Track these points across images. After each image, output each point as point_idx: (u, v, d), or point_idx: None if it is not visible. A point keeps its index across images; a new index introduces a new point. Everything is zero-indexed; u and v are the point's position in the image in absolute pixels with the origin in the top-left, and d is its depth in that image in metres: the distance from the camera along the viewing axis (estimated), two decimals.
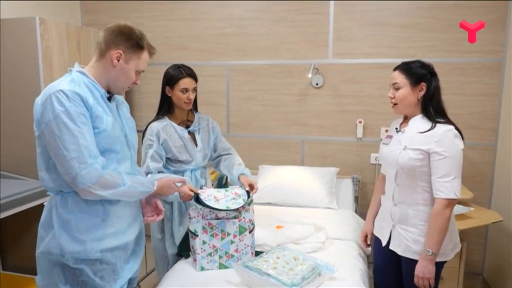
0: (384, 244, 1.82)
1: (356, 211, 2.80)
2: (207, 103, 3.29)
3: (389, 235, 1.79)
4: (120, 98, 1.63)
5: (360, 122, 3.04)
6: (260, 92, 3.24)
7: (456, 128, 1.63)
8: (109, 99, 1.49)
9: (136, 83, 1.54)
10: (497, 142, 2.85)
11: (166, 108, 2.09)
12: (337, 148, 3.16)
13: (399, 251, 1.74)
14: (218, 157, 2.24)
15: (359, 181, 3.08)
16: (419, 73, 1.67)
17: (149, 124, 2.07)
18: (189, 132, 2.10)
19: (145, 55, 1.49)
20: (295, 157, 3.25)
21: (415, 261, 1.67)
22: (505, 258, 2.68)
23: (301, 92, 3.17)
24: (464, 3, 2.80)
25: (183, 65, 2.08)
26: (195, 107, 2.20)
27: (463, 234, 2.55)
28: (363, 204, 3.09)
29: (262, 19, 3.16)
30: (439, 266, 1.70)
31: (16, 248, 2.73)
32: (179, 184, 1.77)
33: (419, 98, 1.68)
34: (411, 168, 1.65)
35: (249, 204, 1.96)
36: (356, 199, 3.04)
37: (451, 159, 1.58)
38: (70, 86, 1.34)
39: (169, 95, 2.06)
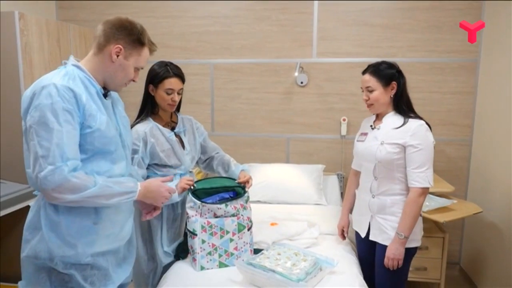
0: (363, 235, 1.94)
1: None
2: (192, 101, 3.26)
3: (367, 226, 1.91)
4: (116, 95, 1.56)
5: (344, 119, 3.11)
6: (245, 91, 3.25)
7: (426, 123, 1.77)
8: (105, 96, 1.42)
9: (134, 80, 1.47)
10: (472, 137, 3.01)
11: (149, 108, 1.94)
12: (322, 145, 3.22)
13: (380, 240, 1.85)
14: (208, 158, 2.19)
15: (343, 177, 3.16)
16: (389, 73, 1.81)
17: (132, 126, 1.87)
18: (175, 135, 1.98)
19: (145, 51, 1.43)
20: (280, 155, 3.28)
21: None
22: (481, 248, 2.83)
23: (286, 90, 3.20)
24: (441, 5, 2.93)
25: (171, 63, 1.94)
26: (177, 108, 2.07)
27: (444, 226, 2.68)
28: None
29: (246, 17, 3.16)
30: (413, 252, 1.85)
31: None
32: (170, 184, 1.73)
33: (391, 96, 1.82)
34: (389, 161, 1.77)
35: (246, 202, 1.96)
36: (341, 195, 3.11)
37: (425, 151, 1.72)
38: (64, 81, 1.27)
39: (152, 94, 1.92)
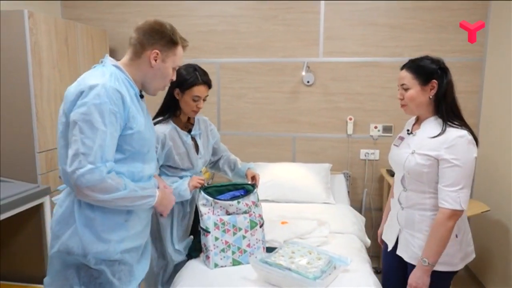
0: (390, 248, 1.76)
1: None
2: None
3: (395, 239, 1.72)
4: None
5: (351, 119, 3.12)
6: (251, 90, 3.25)
7: (471, 133, 1.53)
8: (142, 97, 1.46)
9: (172, 79, 1.50)
10: (478, 137, 3.01)
11: (172, 111, 1.92)
12: (328, 144, 3.23)
13: (406, 257, 1.67)
14: (217, 159, 2.20)
15: (350, 176, 3.17)
16: (428, 70, 1.55)
17: None
18: (191, 137, 1.96)
19: (179, 50, 1.45)
20: (286, 154, 3.28)
21: None
22: (487, 247, 2.85)
23: (292, 90, 3.21)
24: (446, 5, 2.95)
25: (199, 68, 1.88)
26: None
27: None
28: (353, 199, 3.18)
29: (252, 16, 3.17)
30: (448, 277, 1.63)
31: (2, 255, 2.58)
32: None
33: (431, 97, 1.56)
34: (418, 173, 1.56)
35: (257, 199, 1.97)
36: (348, 194, 3.12)
37: (461, 168, 1.47)
38: (111, 82, 1.29)
39: (177, 97, 1.88)
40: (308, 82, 3.14)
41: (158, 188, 1.53)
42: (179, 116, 1.95)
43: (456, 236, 1.58)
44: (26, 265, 2.51)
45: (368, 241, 2.35)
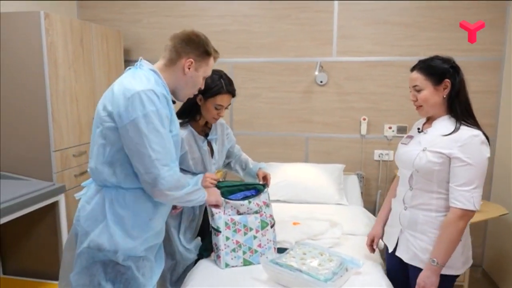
0: (390, 250, 1.75)
1: None
2: None
3: (396, 240, 1.70)
4: None
5: (364, 119, 3.09)
6: (264, 90, 3.24)
7: (484, 134, 1.51)
8: (173, 102, 1.52)
9: (201, 88, 1.58)
10: (496, 137, 2.95)
11: (192, 116, 1.90)
12: (341, 145, 3.20)
13: (406, 258, 1.65)
14: (230, 160, 2.21)
15: (363, 177, 3.13)
16: (439, 70, 1.54)
17: None
18: (207, 141, 1.95)
19: (211, 60, 1.54)
20: (299, 154, 3.26)
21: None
22: (504, 250, 2.78)
23: (305, 89, 3.18)
24: (464, 3, 2.88)
25: (225, 76, 1.86)
26: None
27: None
28: (366, 200, 3.14)
29: (265, 16, 3.16)
30: (450, 280, 1.60)
31: (17, 251, 2.63)
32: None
33: (444, 96, 1.55)
34: (429, 171, 1.53)
35: (268, 199, 1.97)
36: (362, 195, 3.08)
37: (475, 168, 1.45)
38: (158, 87, 1.36)
39: (199, 103, 1.85)
40: (321, 81, 3.11)
41: None
42: (198, 120, 1.93)
43: (460, 240, 1.55)
44: (41, 261, 2.56)
45: (382, 243, 2.31)
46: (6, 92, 2.44)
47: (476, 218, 2.33)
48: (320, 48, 3.12)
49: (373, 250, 1.93)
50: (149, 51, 3.32)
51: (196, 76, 1.49)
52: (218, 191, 1.78)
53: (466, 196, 1.46)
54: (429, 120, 1.66)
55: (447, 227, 1.50)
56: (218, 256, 1.85)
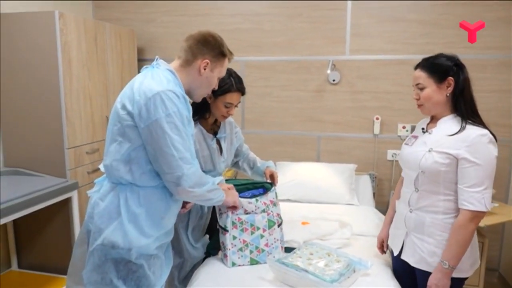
0: (396, 253, 1.71)
1: None
2: None
3: (401, 243, 1.66)
4: None
5: (378, 118, 3.04)
6: (276, 88, 3.23)
7: (491, 132, 1.47)
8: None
9: (215, 88, 1.59)
10: None
11: (202, 114, 1.89)
12: (353, 144, 3.16)
13: (412, 261, 1.61)
14: (239, 159, 2.20)
15: (375, 177, 3.08)
16: (443, 67, 1.51)
17: None
18: (216, 140, 1.94)
19: (226, 61, 1.55)
20: (310, 153, 3.24)
21: (430, 274, 1.54)
22: None
23: (317, 88, 3.16)
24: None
25: (235, 74, 1.85)
26: None
27: (484, 230, 2.56)
28: (379, 201, 3.09)
29: (278, 15, 3.14)
30: (459, 283, 1.57)
31: (31, 246, 2.70)
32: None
33: (447, 95, 1.51)
34: (435, 172, 1.50)
35: (275, 198, 1.96)
36: (374, 195, 3.04)
37: (484, 168, 1.42)
38: (177, 88, 1.39)
39: (209, 101, 1.85)
40: (333, 80, 3.08)
41: None
42: (207, 118, 1.93)
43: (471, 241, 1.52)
44: (54, 256, 2.61)
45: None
46: (22, 91, 2.50)
47: (493, 221, 2.28)
48: (333, 47, 3.08)
49: (383, 252, 1.91)
50: (162, 50, 3.34)
51: (211, 77, 1.50)
52: (236, 194, 1.76)
53: (477, 197, 1.42)
54: (433, 119, 1.63)
55: (458, 230, 1.46)
56: (225, 255, 1.85)
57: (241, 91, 1.87)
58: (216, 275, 1.78)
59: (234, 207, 1.81)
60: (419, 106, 1.59)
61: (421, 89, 1.54)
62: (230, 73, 1.85)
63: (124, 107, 1.37)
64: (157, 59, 1.48)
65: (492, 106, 2.89)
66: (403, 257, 1.66)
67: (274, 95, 3.24)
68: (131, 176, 1.39)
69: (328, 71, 2.99)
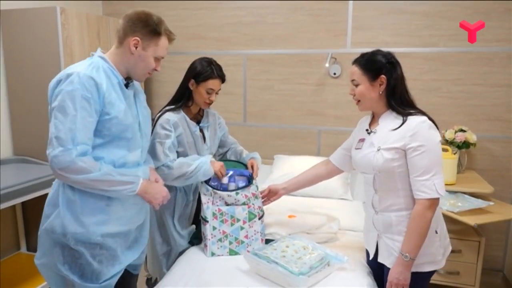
0: (371, 256, 1.70)
1: None
2: (224, 92, 3.25)
3: (375, 246, 1.65)
4: (138, 86, 1.65)
5: None
6: (277, 82, 3.23)
7: (430, 119, 1.49)
8: (127, 86, 1.51)
9: (156, 70, 1.53)
10: None
11: (184, 101, 1.99)
12: None
13: (388, 263, 1.58)
14: (226, 151, 2.25)
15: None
16: (375, 65, 1.52)
17: (162, 114, 1.95)
18: (199, 129, 2.03)
19: (163, 41, 1.47)
20: (311, 147, 3.23)
21: None
22: None
23: (318, 82, 3.13)
24: None
25: (215, 63, 1.97)
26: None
27: (481, 228, 2.49)
28: None
29: (280, 7, 3.13)
30: (427, 276, 1.57)
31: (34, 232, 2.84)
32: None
33: (380, 92, 1.52)
34: (389, 170, 1.49)
35: (257, 191, 1.98)
36: None
37: (429, 153, 1.43)
38: (87, 70, 1.37)
39: (191, 88, 1.96)
40: (334, 74, 3.05)
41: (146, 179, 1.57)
42: (190, 106, 2.02)
43: (436, 232, 1.53)
44: None
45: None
46: (28, 85, 2.62)
47: (485, 220, 2.21)
48: (335, 40, 3.04)
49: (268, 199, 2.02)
50: None
51: (145, 56, 1.45)
52: (162, 192, 1.59)
53: (428, 185, 1.43)
54: (374, 118, 1.64)
55: (415, 219, 1.47)
56: (205, 245, 1.90)
57: (222, 78, 1.97)
58: (194, 263, 1.83)
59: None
60: (357, 103, 1.60)
61: (356, 85, 1.56)
62: (210, 61, 1.96)
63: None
64: (97, 49, 1.49)
65: (499, 101, 2.77)
66: (380, 260, 1.64)
67: (275, 88, 3.24)
68: None
69: (327, 65, 2.96)
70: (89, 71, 1.37)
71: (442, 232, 1.58)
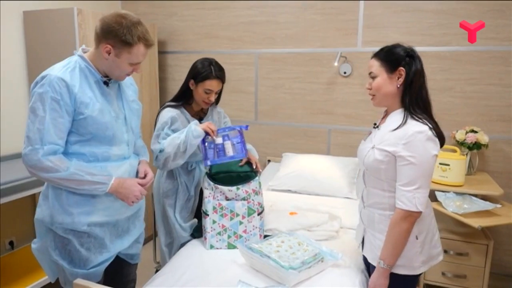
0: (357, 247, 1.72)
1: None
2: (236, 90, 3.36)
3: (361, 239, 1.68)
4: (129, 80, 1.68)
5: None
6: (288, 80, 3.25)
7: (434, 129, 1.40)
8: (107, 83, 1.53)
9: (136, 72, 1.55)
10: None
11: (185, 99, 2.07)
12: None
13: (369, 258, 1.60)
14: None
15: None
16: (394, 57, 1.45)
17: (162, 108, 2.04)
18: None
19: (135, 49, 1.45)
20: (321, 146, 3.24)
21: None
22: None
23: (328, 80, 3.13)
24: None
25: (215, 63, 2.01)
26: (216, 102, 2.17)
27: (491, 232, 2.44)
28: None
29: (292, 6, 3.15)
30: (409, 280, 1.52)
31: None
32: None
33: (398, 86, 1.45)
34: (376, 170, 1.48)
35: (259, 187, 2.01)
36: None
37: (418, 166, 1.37)
38: (60, 72, 1.41)
39: (191, 88, 2.03)
40: (345, 73, 3.04)
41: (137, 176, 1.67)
42: (191, 104, 2.10)
43: (416, 238, 1.48)
44: None
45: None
46: None
47: (491, 222, 2.17)
48: (345, 38, 3.04)
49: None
50: (181, 42, 3.49)
51: (119, 62, 1.46)
52: (134, 191, 1.59)
53: (408, 196, 1.39)
54: (386, 114, 1.59)
55: (392, 228, 1.45)
56: (205, 238, 1.96)
57: (221, 78, 2.00)
58: (194, 255, 1.90)
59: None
60: (372, 97, 1.55)
61: (373, 78, 1.51)
62: (210, 61, 2.00)
63: None
64: (80, 47, 1.53)
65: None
66: (363, 253, 1.67)
67: (286, 87, 3.26)
68: None
69: (336, 63, 2.96)
70: (62, 72, 1.41)
71: (428, 240, 1.51)
